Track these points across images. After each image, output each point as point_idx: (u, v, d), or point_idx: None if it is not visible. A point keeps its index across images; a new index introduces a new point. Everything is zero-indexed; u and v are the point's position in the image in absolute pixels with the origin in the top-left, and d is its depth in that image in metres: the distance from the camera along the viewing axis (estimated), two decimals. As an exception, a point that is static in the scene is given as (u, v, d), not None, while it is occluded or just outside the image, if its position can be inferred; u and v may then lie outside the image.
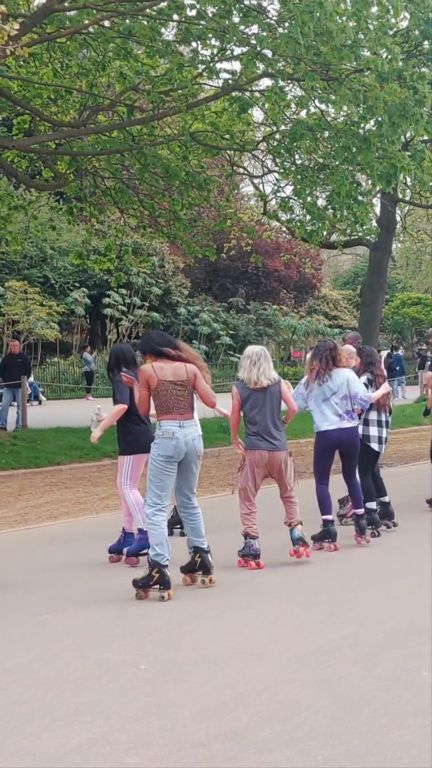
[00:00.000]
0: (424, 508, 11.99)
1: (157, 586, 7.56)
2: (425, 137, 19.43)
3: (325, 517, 9.53)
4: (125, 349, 9.35)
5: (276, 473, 8.97)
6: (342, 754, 4.51)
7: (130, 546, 9.06)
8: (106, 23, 16.66)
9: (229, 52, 16.38)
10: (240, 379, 8.96)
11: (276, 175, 21.40)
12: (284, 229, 27.65)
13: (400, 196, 27.67)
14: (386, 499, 10.81)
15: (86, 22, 16.04)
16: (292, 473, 9.03)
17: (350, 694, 5.34)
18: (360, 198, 17.82)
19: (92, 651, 6.22)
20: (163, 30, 16.89)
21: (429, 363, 26.19)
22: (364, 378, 10.27)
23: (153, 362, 7.81)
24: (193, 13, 15.50)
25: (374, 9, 15.33)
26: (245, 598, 7.68)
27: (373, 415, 10.36)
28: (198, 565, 8.03)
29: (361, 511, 9.76)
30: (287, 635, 6.55)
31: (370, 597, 7.71)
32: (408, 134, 19.02)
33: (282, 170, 19.70)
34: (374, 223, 23.48)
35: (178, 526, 9.79)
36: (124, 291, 39.36)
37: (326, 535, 9.53)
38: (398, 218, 31.82)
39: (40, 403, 31.07)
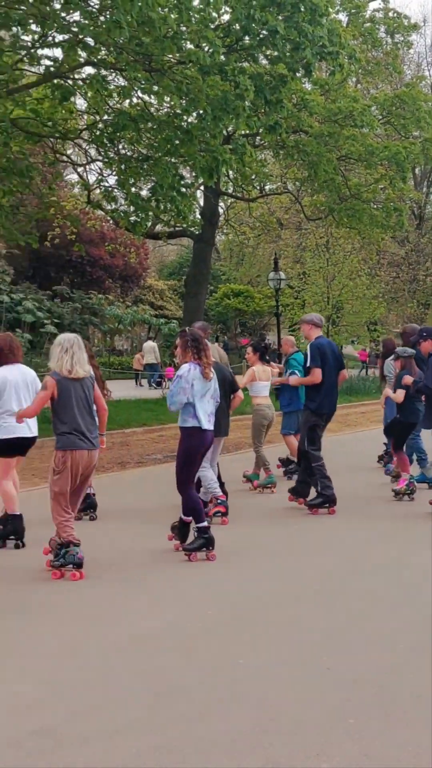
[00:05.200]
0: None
1: None
2: (246, 131, 19.75)
3: None
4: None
5: (85, 475, 8.39)
6: (156, 745, 4.55)
7: None
8: None
9: (50, 38, 16.16)
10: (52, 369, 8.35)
11: (100, 164, 21.29)
12: (109, 217, 27.55)
13: (223, 189, 28.00)
14: None
15: None
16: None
17: (167, 684, 5.39)
18: (183, 190, 17.93)
19: None
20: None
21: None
22: None
23: None
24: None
25: (196, 1, 15.45)
26: (59, 593, 7.65)
27: None
28: None
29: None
30: (103, 628, 6.56)
31: (192, 585, 7.81)
32: (230, 128, 19.26)
33: (105, 160, 19.61)
34: (197, 216, 23.69)
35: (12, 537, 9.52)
36: None
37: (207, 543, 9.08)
38: (221, 211, 32.20)
39: None
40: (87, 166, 23.81)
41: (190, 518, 9.04)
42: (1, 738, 4.64)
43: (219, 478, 11.29)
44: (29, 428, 9.42)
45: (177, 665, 5.73)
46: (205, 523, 9.00)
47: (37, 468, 14.98)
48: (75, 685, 5.40)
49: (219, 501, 10.73)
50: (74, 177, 37.63)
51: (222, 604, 7.16)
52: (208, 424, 9.01)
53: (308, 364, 11.34)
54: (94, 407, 8.59)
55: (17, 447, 9.45)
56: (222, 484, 11.33)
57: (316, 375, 11.27)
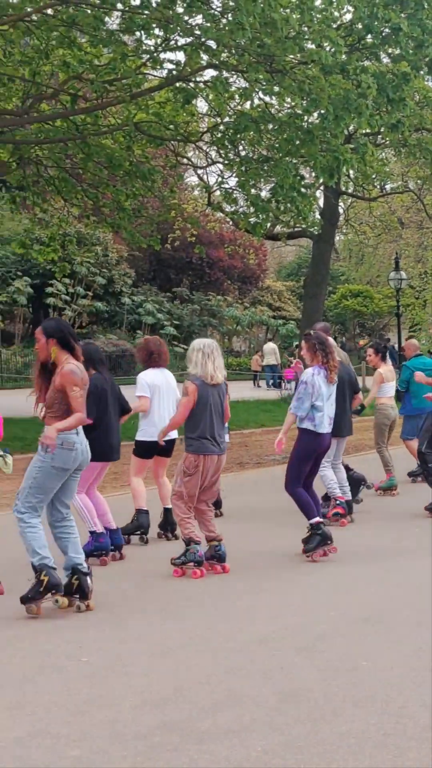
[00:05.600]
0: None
1: (50, 593, 6.88)
2: (367, 130, 19.59)
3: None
4: (93, 349, 8.93)
5: (214, 478, 8.47)
6: (281, 744, 4.56)
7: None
8: (50, 11, 16.52)
9: (173, 42, 16.34)
10: (194, 374, 8.33)
11: (220, 166, 21.42)
12: (228, 219, 27.70)
13: (343, 188, 27.82)
14: None
15: (29, 10, 15.90)
16: None
17: (290, 684, 5.40)
18: (303, 191, 17.89)
19: (33, 644, 6.21)
20: (106, 19, 16.79)
21: None
22: None
23: (70, 360, 7.09)
24: (137, 2, 15.44)
25: (318, 1, 15.41)
26: (186, 591, 7.72)
27: None
28: (74, 589, 7.06)
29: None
30: (229, 626, 6.60)
31: (314, 586, 7.79)
32: (351, 127, 19.14)
33: (226, 162, 19.71)
34: (317, 216, 23.59)
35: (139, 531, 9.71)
36: (67, 280, 39.11)
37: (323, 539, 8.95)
38: (341, 210, 32.00)
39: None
40: (207, 168, 24.04)
41: (316, 518, 9.02)
42: (129, 731, 4.71)
43: (359, 478, 11.38)
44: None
45: (300, 666, 5.73)
46: (318, 519, 8.99)
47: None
48: (200, 682, 5.45)
49: (338, 502, 10.67)
50: (193, 179, 38.02)
51: (344, 606, 7.13)
52: (327, 427, 9.07)
53: None
54: None
55: (154, 450, 9.63)
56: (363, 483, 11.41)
57: None
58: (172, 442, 9.76)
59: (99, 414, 8.56)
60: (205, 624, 6.68)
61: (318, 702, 5.11)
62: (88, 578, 7.09)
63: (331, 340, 10.93)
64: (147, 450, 9.61)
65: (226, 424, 8.85)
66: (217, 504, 10.93)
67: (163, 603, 7.29)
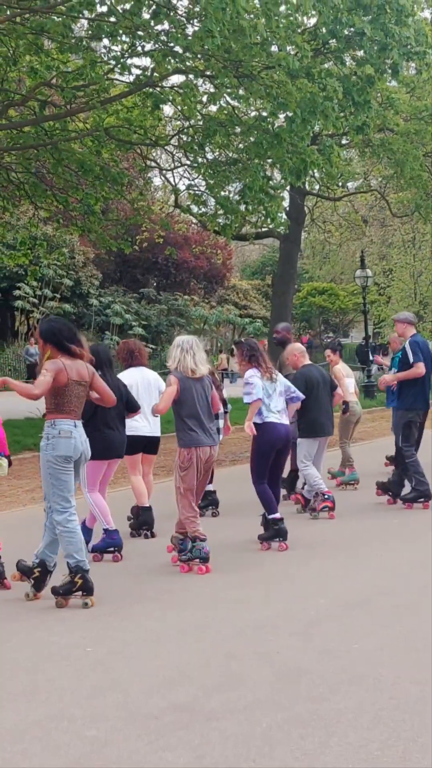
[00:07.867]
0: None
1: (80, 593, 7.26)
2: (332, 131, 19.93)
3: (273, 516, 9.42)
4: (101, 350, 9.25)
5: (206, 467, 8.66)
6: (285, 720, 4.86)
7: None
8: (18, 19, 16.67)
9: (139, 48, 16.55)
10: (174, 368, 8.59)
11: (188, 168, 21.67)
12: (194, 220, 27.97)
13: (308, 188, 28.19)
14: None
15: (-4, 18, 16.06)
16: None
17: (287, 666, 5.71)
18: (271, 192, 18.17)
19: (40, 635, 6.48)
20: (74, 26, 16.96)
21: None
22: None
23: (59, 358, 7.38)
24: (104, 9, 15.65)
25: (282, 7, 15.69)
26: (179, 584, 8.01)
27: None
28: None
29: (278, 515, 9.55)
30: (224, 615, 6.90)
31: (300, 576, 8.11)
32: (315, 128, 19.46)
33: (195, 165, 19.97)
34: (284, 216, 23.91)
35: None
36: (34, 283, 39.15)
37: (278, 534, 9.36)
38: (306, 210, 32.38)
39: None
40: (173, 171, 24.24)
41: (276, 515, 9.36)
42: (140, 712, 5.00)
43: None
44: (150, 428, 9.88)
45: (295, 649, 6.04)
46: (277, 515, 9.33)
47: (159, 464, 15.32)
48: (203, 665, 5.75)
49: (326, 496, 11.01)
50: (159, 181, 38.19)
51: (331, 593, 7.44)
52: (279, 418, 9.46)
53: (411, 360, 11.55)
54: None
55: (139, 445, 9.92)
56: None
57: (420, 368, 11.46)
58: (156, 439, 10.05)
59: (102, 413, 8.76)
60: (201, 613, 6.97)
61: (315, 681, 5.42)
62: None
63: (298, 344, 11.41)
64: (131, 445, 9.84)
65: (222, 410, 9.20)
66: (215, 503, 11.26)
67: (157, 596, 7.57)
